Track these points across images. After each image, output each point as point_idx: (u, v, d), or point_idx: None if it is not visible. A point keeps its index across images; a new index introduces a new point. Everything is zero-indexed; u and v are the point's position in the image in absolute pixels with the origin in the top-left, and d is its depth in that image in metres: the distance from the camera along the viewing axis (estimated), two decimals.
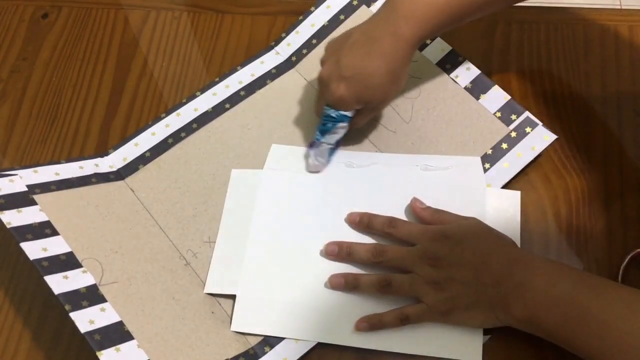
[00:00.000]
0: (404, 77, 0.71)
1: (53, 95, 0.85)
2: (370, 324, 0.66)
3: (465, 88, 0.78)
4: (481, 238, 0.65)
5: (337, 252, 0.69)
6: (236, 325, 0.68)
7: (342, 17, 0.84)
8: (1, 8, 0.92)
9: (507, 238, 0.66)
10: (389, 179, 0.74)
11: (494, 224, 0.67)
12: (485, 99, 0.77)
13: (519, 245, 0.68)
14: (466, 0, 0.68)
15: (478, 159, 0.74)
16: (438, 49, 0.80)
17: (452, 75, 0.79)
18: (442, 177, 0.73)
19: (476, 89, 0.78)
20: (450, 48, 0.80)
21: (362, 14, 0.83)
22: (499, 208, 0.71)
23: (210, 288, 0.70)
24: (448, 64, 0.79)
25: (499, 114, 0.76)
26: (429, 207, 0.70)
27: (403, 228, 0.68)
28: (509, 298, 0.61)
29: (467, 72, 0.79)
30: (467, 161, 0.74)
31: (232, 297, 0.69)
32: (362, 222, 0.70)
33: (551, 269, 0.62)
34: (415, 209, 0.70)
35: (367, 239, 0.71)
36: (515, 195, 0.72)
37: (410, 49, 0.69)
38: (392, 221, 0.69)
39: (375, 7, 0.83)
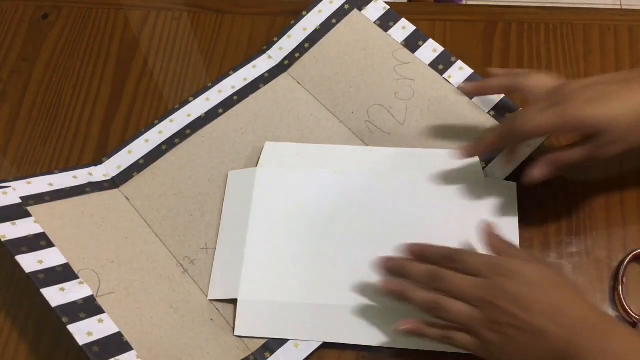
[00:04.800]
0: None
1: (53, 96, 0.87)
2: (414, 328, 0.65)
3: (459, 88, 0.80)
4: (555, 287, 0.61)
5: (392, 268, 0.67)
6: (240, 330, 0.69)
7: (334, 21, 0.86)
8: (1, 8, 0.94)
9: (581, 292, 0.63)
10: (383, 172, 0.76)
11: (491, 215, 0.69)
12: (479, 98, 0.79)
13: (517, 240, 0.70)
14: None
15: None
16: (430, 49, 0.82)
17: (445, 75, 0.81)
18: (438, 172, 0.75)
19: None
20: (442, 49, 0.82)
21: (354, 18, 0.86)
22: (496, 199, 0.73)
23: (213, 294, 0.72)
24: (440, 65, 0.81)
25: (493, 113, 0.78)
26: (497, 236, 0.66)
27: (465, 260, 0.63)
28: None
29: (460, 72, 0.81)
30: None
31: (231, 304, 0.71)
32: (414, 254, 0.67)
33: (631, 338, 0.57)
34: (487, 235, 0.67)
35: (364, 237, 0.72)
36: (511, 186, 0.74)
37: None
38: (450, 255, 0.64)
39: (366, 11, 0.85)
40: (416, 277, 0.65)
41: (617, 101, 0.63)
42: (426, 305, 0.64)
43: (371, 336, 0.68)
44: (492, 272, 0.61)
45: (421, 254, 0.66)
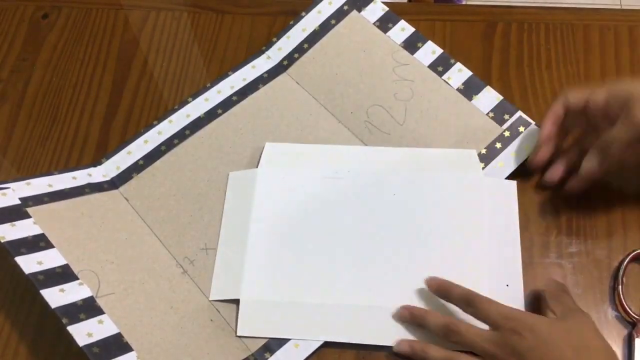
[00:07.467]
0: None
1: (53, 96, 0.87)
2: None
3: (458, 89, 0.81)
4: (569, 347, 0.61)
5: (409, 318, 0.69)
6: (242, 330, 0.70)
7: (333, 21, 0.87)
8: (1, 8, 0.94)
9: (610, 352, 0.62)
10: (383, 172, 0.77)
11: (492, 214, 0.70)
12: (477, 99, 0.80)
13: (518, 238, 0.72)
14: None
15: (473, 151, 0.77)
16: (429, 51, 0.84)
17: (444, 77, 0.82)
18: (439, 170, 0.76)
19: (468, 90, 0.81)
20: (441, 51, 0.83)
21: (353, 19, 0.87)
22: (496, 198, 0.74)
23: (215, 295, 0.72)
24: (440, 67, 0.83)
25: (491, 114, 0.79)
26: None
27: (482, 308, 0.65)
28: None
29: (459, 74, 0.82)
30: (462, 153, 0.77)
31: (231, 304, 0.72)
32: (439, 292, 0.69)
33: None
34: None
35: (364, 236, 0.74)
36: (511, 185, 0.75)
37: None
38: (470, 300, 0.66)
39: (365, 13, 0.86)
40: (433, 329, 0.67)
41: None
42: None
43: (371, 336, 0.69)
44: (507, 326, 0.63)
45: (443, 292, 0.69)
